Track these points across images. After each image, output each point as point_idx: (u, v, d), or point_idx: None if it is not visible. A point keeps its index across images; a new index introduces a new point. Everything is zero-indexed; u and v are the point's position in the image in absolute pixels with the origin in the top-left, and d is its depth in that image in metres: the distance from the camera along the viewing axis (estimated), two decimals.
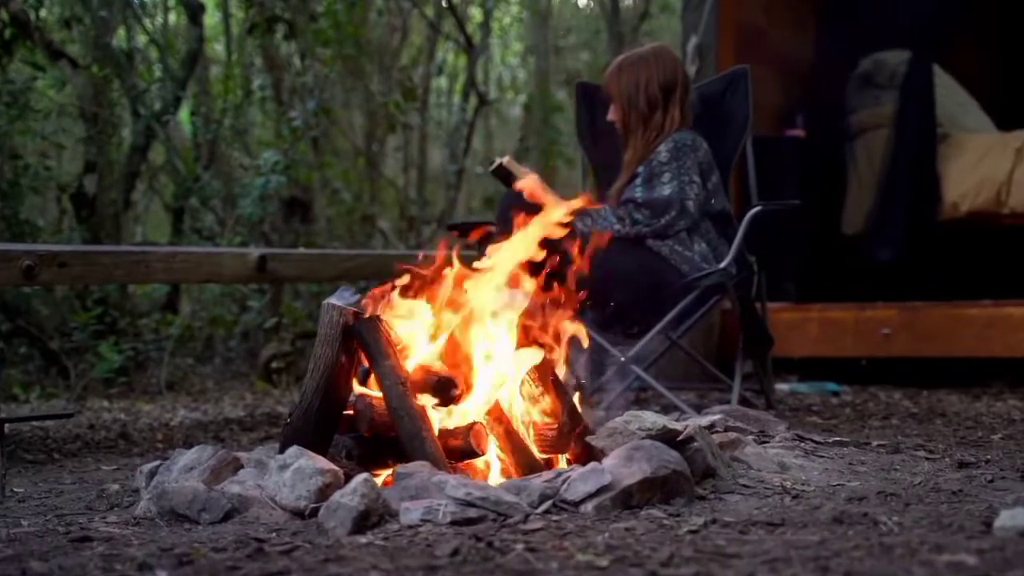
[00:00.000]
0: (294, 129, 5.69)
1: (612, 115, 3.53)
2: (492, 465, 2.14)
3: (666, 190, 3.31)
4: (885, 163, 5.08)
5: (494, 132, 10.01)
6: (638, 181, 3.36)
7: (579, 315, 2.37)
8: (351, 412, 2.22)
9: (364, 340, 2.14)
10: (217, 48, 7.81)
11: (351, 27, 6.11)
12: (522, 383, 2.21)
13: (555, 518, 1.79)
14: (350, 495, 1.80)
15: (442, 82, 9.07)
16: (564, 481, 1.91)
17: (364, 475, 1.85)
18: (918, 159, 4.97)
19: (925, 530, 1.64)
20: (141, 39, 6.20)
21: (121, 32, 5.90)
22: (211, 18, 7.55)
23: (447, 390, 2.15)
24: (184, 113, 6.82)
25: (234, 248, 4.81)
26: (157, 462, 2.24)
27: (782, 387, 4.35)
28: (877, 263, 4.96)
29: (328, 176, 6.70)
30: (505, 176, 3.41)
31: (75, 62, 5.06)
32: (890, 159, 5.06)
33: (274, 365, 5.11)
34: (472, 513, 1.79)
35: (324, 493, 1.91)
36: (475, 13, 8.88)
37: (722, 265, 3.28)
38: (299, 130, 5.70)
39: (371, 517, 1.79)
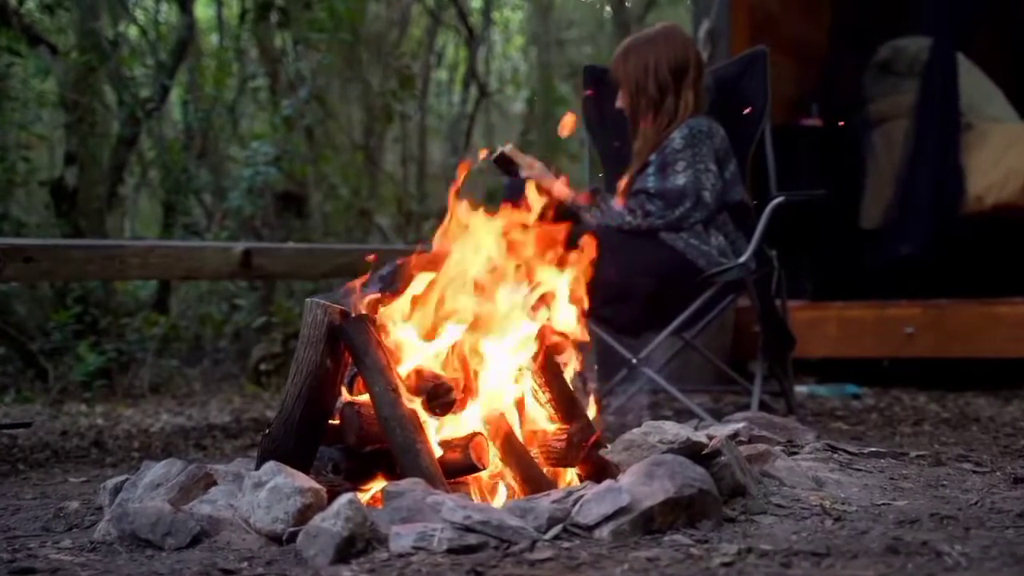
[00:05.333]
0: (286, 118, 5.45)
1: (621, 101, 3.31)
2: (494, 482, 1.91)
3: (680, 180, 3.09)
4: (906, 154, 4.85)
5: (495, 127, 9.79)
6: (650, 170, 3.13)
7: (587, 313, 2.13)
8: (337, 421, 1.99)
9: (352, 342, 1.91)
10: (214, 42, 7.60)
11: (347, 12, 5.88)
12: (527, 388, 1.99)
13: (566, 545, 1.57)
14: (332, 519, 1.58)
15: (442, 74, 8.86)
16: (576, 501, 1.69)
17: (349, 495, 1.62)
18: (940, 150, 4.74)
19: (998, 563, 1.41)
20: (129, 26, 5.96)
21: (108, 19, 5.66)
22: (207, 12, 7.35)
23: (444, 397, 1.92)
24: (177, 105, 6.60)
25: (217, 242, 4.56)
26: (123, 477, 2.02)
27: (800, 390, 4.12)
28: (898, 259, 4.72)
29: (324, 170, 6.47)
30: (507, 165, 3.19)
31: (54, 48, 4.82)
32: (911, 150, 4.83)
33: (263, 367, 4.88)
34: (472, 539, 1.57)
35: (304, 515, 1.68)
36: (476, 2, 8.66)
37: (741, 260, 3.06)
38: (291, 119, 5.46)
39: (356, 544, 1.57)
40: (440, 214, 7.14)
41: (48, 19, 5.12)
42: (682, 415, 3.27)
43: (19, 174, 4.85)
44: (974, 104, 4.88)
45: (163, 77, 5.41)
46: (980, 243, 4.69)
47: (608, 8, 9.10)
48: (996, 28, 5.38)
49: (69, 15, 5.18)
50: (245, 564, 1.57)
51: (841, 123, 4.93)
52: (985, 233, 4.70)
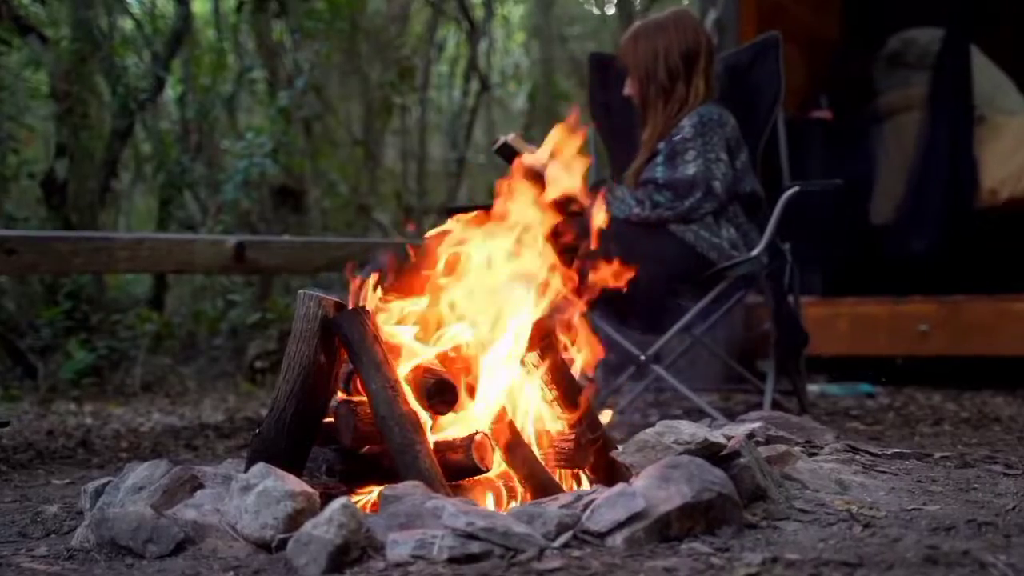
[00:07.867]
0: (282, 109, 5.34)
1: (629, 89, 3.20)
2: (499, 485, 1.80)
3: (690, 169, 2.97)
4: (918, 148, 4.75)
5: (497, 123, 9.69)
6: (659, 160, 3.02)
7: (593, 309, 2.02)
8: (332, 420, 1.88)
9: (347, 336, 1.80)
10: (212, 36, 7.50)
11: (345, 1, 5.76)
12: (533, 386, 1.88)
13: (576, 554, 1.46)
14: (325, 525, 1.47)
15: (443, 69, 8.75)
16: (586, 506, 1.57)
17: (342, 500, 1.51)
18: (953, 143, 4.64)
19: None
20: (123, 17, 5.85)
21: (103, 11, 5.54)
22: (204, 6, 7.25)
23: (445, 394, 1.81)
24: (174, 99, 6.49)
25: (209, 235, 4.45)
26: (106, 479, 1.91)
27: (812, 388, 4.00)
28: (911, 254, 4.61)
29: (323, 166, 6.35)
30: (511, 155, 3.06)
31: (44, 37, 4.71)
32: (923, 143, 4.73)
33: (259, 364, 4.77)
34: (474, 547, 1.45)
35: (294, 521, 1.57)
36: None
37: (754, 253, 2.94)
38: (288, 111, 5.34)
39: (351, 552, 1.46)
40: (440, 209, 7.02)
41: (41, 10, 5.00)
42: (691, 414, 3.16)
43: (10, 167, 4.74)
44: (987, 96, 4.78)
45: (158, 68, 5.29)
46: (995, 238, 4.59)
47: (611, 2, 8.99)
48: (1007, 19, 5.27)
49: (62, 6, 5.06)
50: (231, 573, 1.47)
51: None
52: (1000, 227, 4.61)
